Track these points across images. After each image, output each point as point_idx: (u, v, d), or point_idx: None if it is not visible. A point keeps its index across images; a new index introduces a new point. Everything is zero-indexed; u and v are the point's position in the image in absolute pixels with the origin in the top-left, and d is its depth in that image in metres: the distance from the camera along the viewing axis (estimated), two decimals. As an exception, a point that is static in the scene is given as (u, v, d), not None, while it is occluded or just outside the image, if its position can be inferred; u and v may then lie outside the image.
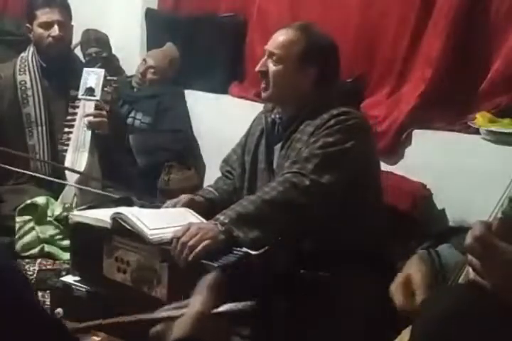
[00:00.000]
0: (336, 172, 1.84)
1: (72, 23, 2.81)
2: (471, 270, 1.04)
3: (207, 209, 2.06)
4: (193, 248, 1.68)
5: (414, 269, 1.30)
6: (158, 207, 2.14)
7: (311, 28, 2.02)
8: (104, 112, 2.62)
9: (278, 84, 1.98)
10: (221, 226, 1.75)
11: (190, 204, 2.04)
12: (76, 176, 2.55)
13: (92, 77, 2.65)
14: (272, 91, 2.00)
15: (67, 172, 2.59)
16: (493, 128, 2.28)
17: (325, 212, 1.84)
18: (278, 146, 2.01)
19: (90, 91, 2.63)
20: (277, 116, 2.06)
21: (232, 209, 1.81)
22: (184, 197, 2.08)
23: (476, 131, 2.35)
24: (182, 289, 1.71)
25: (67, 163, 2.60)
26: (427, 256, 1.33)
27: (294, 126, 1.97)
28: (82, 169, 2.56)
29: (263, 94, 2.04)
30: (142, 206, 2.14)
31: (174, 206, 2.04)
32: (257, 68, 2.03)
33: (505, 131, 2.26)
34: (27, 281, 1.10)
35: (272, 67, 1.99)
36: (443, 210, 2.35)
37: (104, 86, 2.63)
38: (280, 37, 1.99)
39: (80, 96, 2.64)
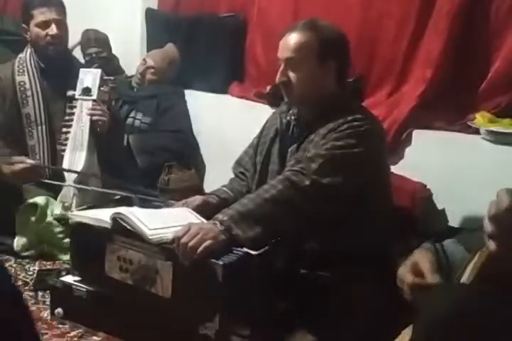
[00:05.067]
0: (339, 175, 1.83)
1: (73, 23, 2.81)
2: (491, 242, 1.03)
3: (221, 209, 2.06)
4: (194, 249, 1.68)
5: (420, 256, 1.32)
6: (160, 206, 2.14)
7: (317, 23, 1.98)
8: (105, 108, 2.63)
9: (304, 89, 1.94)
10: (220, 225, 1.75)
11: (204, 206, 2.04)
12: (75, 175, 2.56)
13: (89, 77, 2.65)
14: (299, 96, 1.96)
15: (65, 172, 2.59)
16: (493, 128, 2.28)
17: (327, 213, 1.83)
18: (292, 148, 2.00)
19: (87, 91, 2.64)
20: (293, 117, 2.04)
21: (232, 207, 1.81)
22: (199, 199, 2.08)
23: (476, 131, 2.35)
24: (185, 288, 1.72)
25: (65, 163, 2.60)
26: (432, 247, 1.34)
27: (310, 129, 1.96)
28: (80, 168, 2.56)
29: (288, 99, 2.01)
30: (143, 203, 2.14)
31: (187, 206, 2.04)
32: (278, 80, 1.97)
33: (505, 131, 2.26)
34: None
35: (293, 75, 1.94)
36: (443, 210, 2.35)
37: (100, 85, 2.64)
38: (291, 41, 1.94)
39: (77, 96, 2.65)
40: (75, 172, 2.55)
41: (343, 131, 1.87)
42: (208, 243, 1.69)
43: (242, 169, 2.22)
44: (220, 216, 1.79)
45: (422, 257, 1.31)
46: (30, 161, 2.49)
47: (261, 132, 2.18)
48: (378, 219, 1.95)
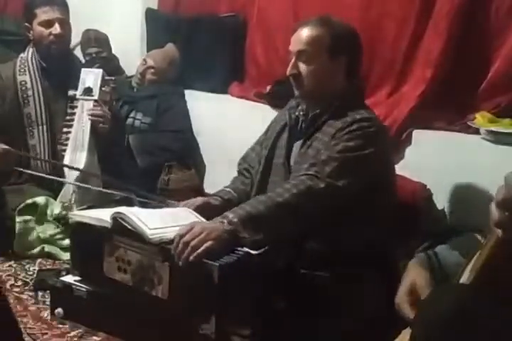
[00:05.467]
0: (352, 177, 1.84)
1: (73, 23, 2.81)
2: (498, 230, 1.01)
3: (225, 210, 2.05)
4: (195, 248, 1.67)
5: (416, 275, 1.30)
6: (160, 206, 2.14)
7: (330, 19, 2.01)
8: (106, 108, 2.63)
9: (314, 82, 1.96)
10: (228, 224, 1.73)
11: (205, 207, 2.03)
12: (75, 176, 2.56)
13: (90, 77, 2.65)
14: (309, 89, 1.97)
15: (66, 172, 2.59)
16: (493, 128, 2.28)
17: (335, 214, 1.83)
18: (298, 143, 2.01)
19: (88, 91, 2.64)
20: (301, 113, 2.04)
21: (243, 208, 1.79)
22: (199, 200, 2.07)
23: (476, 131, 2.35)
24: (182, 289, 1.72)
25: (65, 163, 2.60)
26: (426, 259, 1.33)
27: (317, 124, 1.97)
28: (81, 168, 2.56)
29: (297, 93, 2.01)
30: (143, 205, 2.14)
31: (188, 207, 2.02)
32: (288, 72, 1.99)
33: (505, 131, 2.26)
34: None
35: (304, 68, 1.96)
36: (443, 210, 2.35)
37: (102, 86, 2.64)
38: (304, 34, 1.96)
39: (78, 97, 2.64)
40: (77, 169, 2.54)
41: (352, 131, 1.88)
42: (209, 243, 1.68)
43: (247, 165, 2.21)
44: (230, 215, 1.76)
45: (417, 278, 1.29)
46: (2, 146, 2.43)
47: (268, 128, 2.19)
48: (381, 218, 1.96)
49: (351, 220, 1.86)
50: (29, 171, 2.57)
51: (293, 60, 1.98)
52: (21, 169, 2.55)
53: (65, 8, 2.75)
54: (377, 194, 1.92)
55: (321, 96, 1.98)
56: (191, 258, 1.66)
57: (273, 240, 1.78)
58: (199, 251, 1.66)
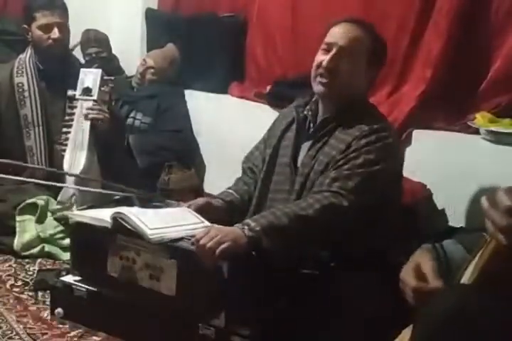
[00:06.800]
0: (374, 192, 1.84)
1: (73, 23, 2.81)
2: (501, 235, 1.00)
3: (227, 211, 2.04)
4: (212, 250, 1.66)
5: (422, 258, 1.31)
6: (160, 206, 2.14)
7: (372, 27, 1.98)
8: (105, 108, 2.62)
9: (344, 83, 1.91)
10: (249, 231, 1.71)
11: (206, 208, 2.01)
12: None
13: (89, 77, 2.65)
14: (335, 89, 1.92)
15: (65, 170, 2.59)
16: (493, 128, 2.28)
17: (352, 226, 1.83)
18: (306, 144, 1.98)
19: (87, 91, 2.64)
20: (309, 113, 2.01)
21: (265, 217, 1.77)
22: (200, 200, 2.06)
23: (476, 131, 2.35)
24: (190, 285, 1.72)
25: (65, 163, 2.60)
26: (432, 248, 1.34)
27: (327, 129, 1.94)
28: (80, 168, 2.56)
29: (322, 89, 1.93)
30: (143, 204, 2.14)
31: (191, 208, 2.01)
32: (327, 63, 1.89)
33: (505, 131, 2.26)
34: None
35: (343, 65, 1.90)
36: (443, 210, 2.35)
37: (101, 85, 2.64)
38: (351, 33, 1.91)
39: (77, 97, 2.64)
40: (76, 175, 2.54)
41: (373, 143, 1.86)
42: (225, 245, 1.66)
43: (251, 164, 2.19)
44: (252, 223, 1.74)
45: (423, 258, 1.31)
46: None
47: (272, 126, 2.16)
48: (389, 223, 1.96)
49: (361, 229, 1.85)
50: (34, 180, 2.56)
51: (334, 53, 1.90)
52: (50, 183, 2.54)
53: (64, 12, 2.74)
54: (390, 201, 1.92)
55: (340, 98, 1.94)
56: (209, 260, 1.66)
57: (290, 251, 1.79)
58: (217, 251, 1.65)
